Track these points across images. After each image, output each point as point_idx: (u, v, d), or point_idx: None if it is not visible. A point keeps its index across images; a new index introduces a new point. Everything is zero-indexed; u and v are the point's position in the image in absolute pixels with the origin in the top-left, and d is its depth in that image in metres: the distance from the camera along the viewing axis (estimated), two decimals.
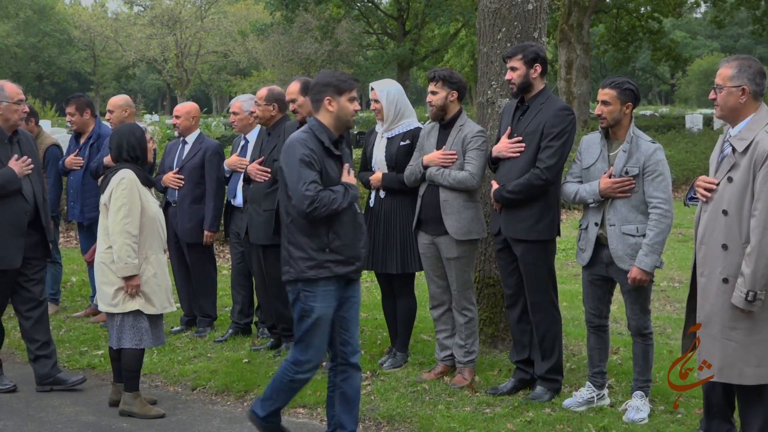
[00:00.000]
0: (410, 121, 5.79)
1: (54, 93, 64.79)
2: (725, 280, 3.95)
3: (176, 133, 7.16)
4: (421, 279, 6.46)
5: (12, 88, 5.58)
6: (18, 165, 5.49)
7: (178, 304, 7.07)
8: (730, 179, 3.96)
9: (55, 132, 15.36)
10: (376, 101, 5.73)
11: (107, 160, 6.87)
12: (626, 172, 4.77)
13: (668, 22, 45.35)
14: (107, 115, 7.33)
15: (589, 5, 25.81)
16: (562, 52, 24.93)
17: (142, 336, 5.11)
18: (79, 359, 6.39)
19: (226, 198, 6.92)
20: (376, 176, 5.71)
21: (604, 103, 4.81)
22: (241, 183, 6.56)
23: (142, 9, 57.83)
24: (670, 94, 73.89)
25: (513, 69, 5.17)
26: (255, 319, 7.02)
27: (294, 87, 6.02)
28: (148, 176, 5.25)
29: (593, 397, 5.07)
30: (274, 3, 33.37)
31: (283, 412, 5.19)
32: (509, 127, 5.25)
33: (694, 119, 30.82)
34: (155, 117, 39.92)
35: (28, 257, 5.59)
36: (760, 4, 29.77)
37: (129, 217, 5.00)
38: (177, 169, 6.94)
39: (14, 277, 5.59)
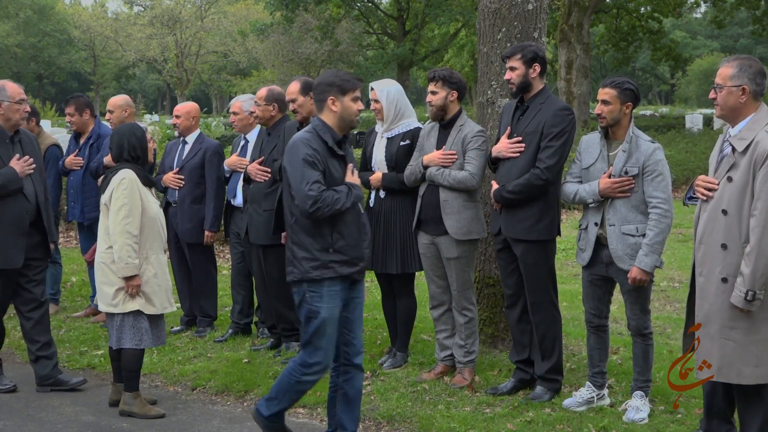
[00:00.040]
0: (410, 121, 5.79)
1: (54, 93, 64.76)
2: (724, 280, 3.95)
3: (176, 133, 7.16)
4: (421, 279, 6.46)
5: (13, 88, 5.59)
6: (19, 164, 5.49)
7: (178, 304, 7.06)
8: (729, 179, 3.96)
9: (55, 132, 15.35)
10: (376, 101, 5.73)
11: (107, 160, 6.86)
12: (626, 172, 4.77)
13: (668, 22, 45.34)
14: (107, 116, 7.32)
15: (589, 5, 25.81)
16: (562, 52, 24.93)
17: (142, 336, 5.11)
18: (79, 359, 6.39)
19: (226, 198, 6.92)
20: (376, 176, 5.71)
21: (604, 102, 4.81)
22: (241, 183, 6.56)
23: (142, 9, 57.82)
24: (670, 94, 73.88)
25: (512, 69, 5.17)
26: (255, 319, 7.02)
27: (294, 87, 6.02)
28: (149, 176, 5.25)
29: (593, 397, 5.07)
30: (274, 3, 33.38)
31: (259, 400, 5.22)
32: (509, 128, 5.25)
33: (694, 119, 30.82)
34: (155, 117, 39.92)
35: (30, 258, 5.59)
36: (760, 4, 29.77)
37: (130, 218, 5.00)
38: (177, 169, 6.94)
39: (15, 278, 5.59)
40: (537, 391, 5.21)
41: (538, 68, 5.16)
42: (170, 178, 6.91)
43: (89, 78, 65.16)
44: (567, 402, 5.07)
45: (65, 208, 8.01)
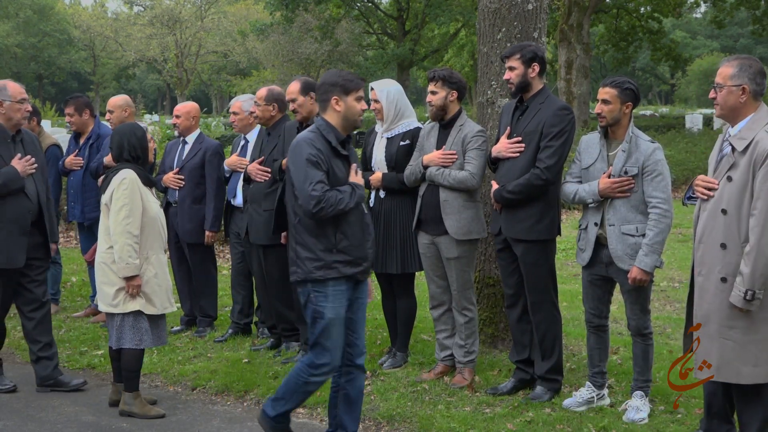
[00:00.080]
0: (410, 121, 5.79)
1: (54, 93, 64.76)
2: (723, 279, 3.95)
3: (176, 133, 7.16)
4: (421, 279, 6.46)
5: (15, 87, 5.59)
6: (21, 164, 5.49)
7: (178, 304, 7.07)
8: (729, 178, 3.96)
9: (55, 132, 15.34)
10: (376, 101, 5.72)
11: (107, 159, 6.87)
12: (625, 172, 4.77)
13: (668, 22, 45.35)
14: (107, 116, 7.32)
15: (589, 5, 25.82)
16: (562, 52, 24.93)
17: (142, 336, 5.10)
18: (79, 359, 6.39)
19: (226, 198, 6.92)
20: (376, 176, 5.71)
21: (605, 101, 4.81)
22: (241, 183, 6.56)
23: (142, 9, 57.82)
24: (670, 94, 73.89)
25: (511, 69, 5.18)
26: (255, 319, 7.02)
27: (294, 87, 6.02)
28: (149, 176, 5.25)
29: (593, 397, 5.07)
30: (274, 3, 33.38)
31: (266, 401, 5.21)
32: (508, 128, 5.25)
33: (694, 119, 30.83)
34: (155, 117, 39.92)
35: (31, 258, 5.58)
36: (760, 4, 29.77)
37: (130, 218, 5.00)
38: (177, 169, 6.93)
39: (17, 278, 5.59)
40: (537, 391, 5.21)
41: (537, 68, 5.16)
42: (170, 179, 6.91)
43: (89, 78, 65.17)
44: (567, 402, 5.07)
45: (65, 208, 8.01)
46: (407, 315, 5.92)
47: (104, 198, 5.12)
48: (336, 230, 4.22)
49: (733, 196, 3.93)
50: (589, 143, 5.00)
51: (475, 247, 5.59)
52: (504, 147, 5.21)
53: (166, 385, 5.83)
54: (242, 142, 6.83)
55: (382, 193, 5.74)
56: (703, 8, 51.70)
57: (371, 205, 5.79)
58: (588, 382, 5.13)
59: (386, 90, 5.72)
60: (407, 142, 5.70)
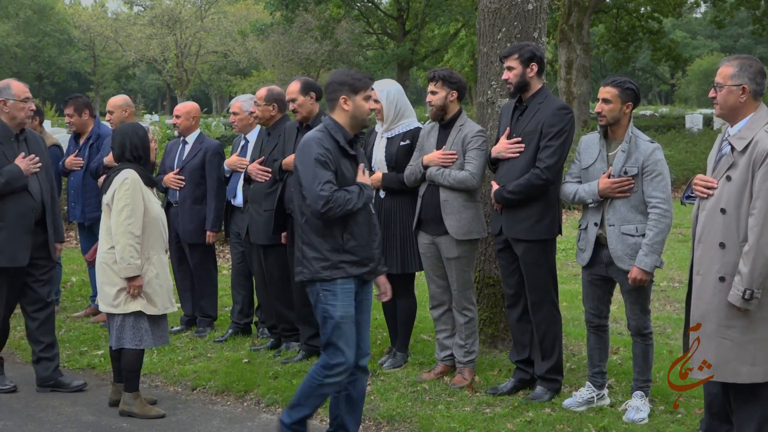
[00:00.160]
0: (410, 121, 5.79)
1: (54, 93, 64.75)
2: (722, 279, 3.95)
3: (176, 133, 7.17)
4: (421, 279, 6.45)
5: (18, 87, 5.59)
6: (24, 162, 5.50)
7: (179, 304, 7.07)
8: (728, 178, 3.96)
9: (55, 132, 15.33)
10: (376, 101, 5.72)
11: (107, 159, 6.87)
12: (625, 172, 4.77)
13: (668, 22, 45.34)
14: (107, 116, 7.32)
15: (589, 5, 25.81)
16: (562, 52, 24.93)
17: (142, 336, 5.10)
18: (79, 359, 6.39)
19: (226, 198, 6.92)
20: (376, 176, 5.70)
21: (605, 101, 4.81)
22: (241, 183, 6.56)
23: (142, 9, 57.80)
24: (670, 94, 73.88)
25: (509, 69, 5.18)
26: (255, 319, 7.02)
27: (294, 87, 6.02)
28: (151, 176, 5.25)
29: (593, 397, 5.07)
30: (274, 3, 33.35)
31: (281, 411, 5.20)
32: (508, 128, 5.25)
33: (694, 119, 30.84)
34: (155, 117, 39.92)
35: (36, 257, 5.58)
36: (760, 4, 29.78)
37: (132, 218, 4.99)
38: (178, 169, 6.94)
39: (22, 277, 5.59)
40: (537, 391, 5.21)
41: (535, 68, 5.17)
42: (171, 179, 6.91)
43: (89, 78, 65.15)
44: (567, 402, 5.07)
45: (65, 208, 8.01)
46: (407, 315, 5.92)
47: (106, 198, 5.12)
48: (343, 230, 4.20)
49: (732, 195, 3.93)
50: (589, 143, 5.00)
51: (475, 247, 5.59)
52: (504, 147, 5.21)
53: (166, 385, 5.83)
54: (242, 142, 6.83)
55: (382, 193, 5.74)
56: (703, 8, 51.71)
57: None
58: (588, 382, 5.13)
59: (386, 90, 5.72)
60: (407, 142, 5.70)
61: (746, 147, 3.92)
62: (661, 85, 76.73)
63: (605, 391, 5.14)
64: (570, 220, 12.50)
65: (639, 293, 4.87)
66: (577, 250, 5.05)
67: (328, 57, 37.06)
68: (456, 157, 5.39)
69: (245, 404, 5.42)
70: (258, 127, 6.67)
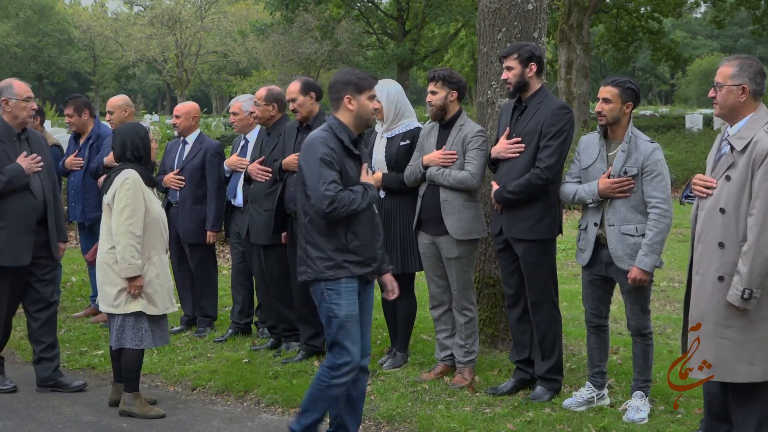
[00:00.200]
0: (410, 121, 5.79)
1: (54, 93, 64.75)
2: (721, 278, 3.95)
3: (176, 133, 7.17)
4: (421, 279, 6.46)
5: (20, 86, 5.60)
6: (26, 161, 5.50)
7: (179, 304, 7.06)
8: (728, 178, 3.96)
9: (55, 132, 15.33)
10: (376, 101, 5.72)
11: (108, 159, 6.87)
12: (625, 172, 4.77)
13: (668, 22, 45.34)
14: (107, 116, 7.32)
15: (589, 5, 25.82)
16: (562, 52, 24.93)
17: (142, 336, 5.10)
18: (79, 359, 6.39)
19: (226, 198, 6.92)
20: (376, 176, 5.70)
21: (606, 100, 4.81)
22: (241, 183, 6.56)
23: (142, 9, 57.79)
24: (670, 94, 73.88)
25: (508, 68, 5.18)
26: (255, 319, 7.02)
27: (294, 87, 6.02)
28: (151, 176, 5.24)
29: (593, 397, 5.07)
30: (274, 3, 33.36)
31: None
32: (507, 128, 5.25)
33: (694, 119, 30.84)
34: (155, 117, 39.91)
35: (38, 256, 5.58)
36: (760, 4, 29.78)
37: (133, 218, 4.99)
38: (178, 170, 6.94)
39: (24, 276, 5.58)
40: (537, 391, 5.21)
41: (534, 68, 5.17)
42: (171, 179, 6.91)
43: (89, 78, 65.15)
44: (567, 402, 5.07)
45: (65, 208, 8.00)
46: (407, 315, 5.92)
47: (106, 198, 5.11)
48: (347, 230, 4.19)
49: (732, 195, 3.93)
50: (589, 143, 5.01)
51: (476, 247, 5.59)
52: (503, 147, 5.21)
53: (166, 385, 5.83)
54: (242, 142, 6.83)
55: (382, 193, 5.74)
56: (703, 8, 51.67)
57: None
58: (588, 382, 5.13)
59: (386, 90, 5.72)
60: (407, 142, 5.70)
61: (746, 147, 3.92)
62: (661, 85, 76.73)
63: (605, 391, 5.14)
64: (570, 220, 12.50)
65: (639, 293, 4.87)
66: (577, 250, 5.06)
67: (328, 57, 37.07)
68: (456, 157, 5.39)
69: (245, 404, 5.42)
70: (258, 127, 6.67)
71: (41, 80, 63.18)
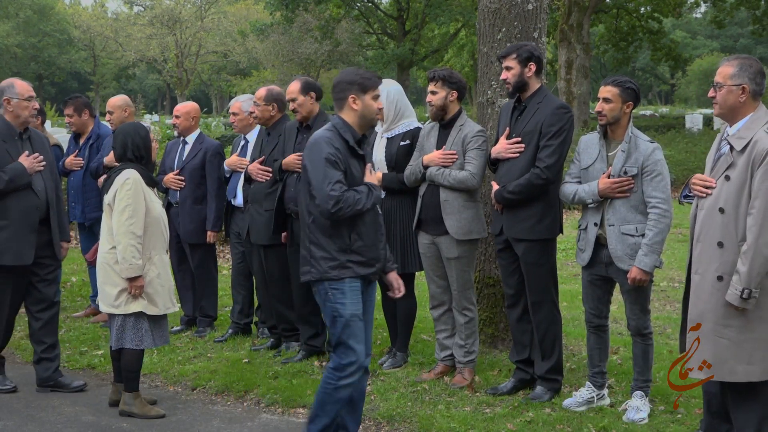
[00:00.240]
0: (410, 121, 5.79)
1: (54, 93, 64.74)
2: (720, 278, 3.95)
3: (176, 133, 7.17)
4: (421, 279, 6.46)
5: (22, 86, 5.60)
6: (28, 161, 5.50)
7: (179, 304, 7.06)
8: (727, 177, 3.96)
9: (55, 132, 15.33)
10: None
11: (108, 159, 6.87)
12: (625, 172, 4.77)
13: (668, 22, 45.34)
14: (107, 116, 7.33)
15: (589, 5, 25.82)
16: (562, 52, 24.94)
17: (142, 336, 5.10)
18: (79, 359, 6.39)
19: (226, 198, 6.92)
20: (376, 176, 5.70)
21: (606, 100, 4.82)
22: (241, 183, 6.56)
23: (142, 9, 57.80)
24: (670, 94, 73.89)
25: (508, 68, 5.18)
26: (255, 319, 7.02)
27: (294, 87, 6.02)
28: (152, 176, 5.24)
29: (593, 397, 5.07)
30: (274, 3, 33.37)
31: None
32: (507, 128, 5.25)
33: (694, 119, 30.85)
34: (155, 117, 39.91)
35: (40, 256, 5.57)
36: (760, 4, 29.78)
37: (134, 218, 4.99)
38: (178, 170, 6.94)
39: (27, 276, 5.58)
40: (537, 391, 5.21)
41: (533, 67, 5.17)
42: (171, 180, 6.91)
43: (89, 78, 65.15)
44: (567, 402, 5.07)
45: (66, 208, 8.00)
46: (407, 315, 5.92)
47: (107, 198, 5.11)
48: (351, 231, 4.18)
49: (731, 195, 3.93)
50: (588, 143, 5.01)
51: (476, 247, 5.59)
52: (503, 148, 5.21)
53: (166, 385, 5.83)
54: (242, 142, 6.84)
55: (382, 193, 5.74)
56: (703, 8, 51.68)
57: None
58: (588, 382, 5.13)
59: (386, 90, 5.71)
60: (407, 142, 5.70)
61: (745, 147, 3.92)
62: (661, 85, 76.74)
63: (605, 391, 5.14)
64: (570, 220, 12.50)
65: (639, 293, 4.87)
66: (577, 250, 5.06)
67: (328, 57, 37.08)
68: (456, 157, 5.39)
69: (245, 404, 5.42)
70: (258, 127, 6.67)
71: (41, 80, 63.16)
